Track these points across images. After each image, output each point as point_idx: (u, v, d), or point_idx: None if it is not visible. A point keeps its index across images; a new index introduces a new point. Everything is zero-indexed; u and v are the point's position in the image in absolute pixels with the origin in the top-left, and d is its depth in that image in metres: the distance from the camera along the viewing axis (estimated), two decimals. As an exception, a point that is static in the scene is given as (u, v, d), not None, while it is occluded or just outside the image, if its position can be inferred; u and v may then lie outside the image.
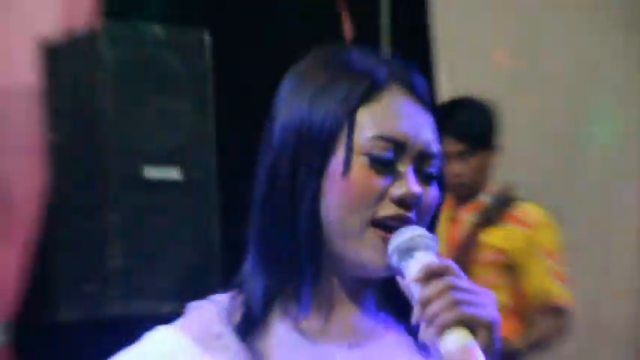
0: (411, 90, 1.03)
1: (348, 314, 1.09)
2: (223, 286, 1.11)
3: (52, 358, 3.23)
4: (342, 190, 1.01)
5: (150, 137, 2.78)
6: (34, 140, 3.00)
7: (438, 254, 0.98)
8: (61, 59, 2.90)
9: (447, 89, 3.55)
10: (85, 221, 2.80)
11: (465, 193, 2.95)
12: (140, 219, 2.72)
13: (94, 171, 2.81)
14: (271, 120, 1.05)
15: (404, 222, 1.00)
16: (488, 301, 0.96)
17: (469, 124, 2.98)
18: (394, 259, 1.00)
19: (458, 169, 2.89)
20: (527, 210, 3.00)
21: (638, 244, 4.10)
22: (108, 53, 2.74)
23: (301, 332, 1.06)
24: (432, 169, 1.02)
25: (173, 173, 2.80)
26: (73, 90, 2.88)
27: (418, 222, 1.01)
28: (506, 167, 3.09)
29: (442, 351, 0.97)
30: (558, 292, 2.98)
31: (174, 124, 2.79)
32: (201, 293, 1.12)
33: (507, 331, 2.88)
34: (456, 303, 0.94)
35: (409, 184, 0.99)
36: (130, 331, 1.17)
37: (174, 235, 2.76)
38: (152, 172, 2.75)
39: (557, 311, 2.98)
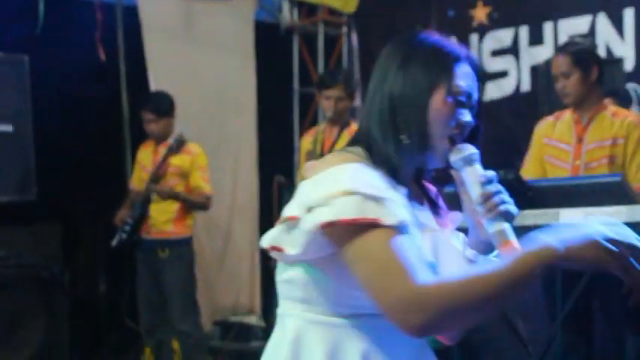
0: (473, 65, 1.60)
1: (415, 185, 1.65)
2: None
3: None
4: (442, 109, 1.54)
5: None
6: None
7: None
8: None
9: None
10: None
11: (159, 139, 5.09)
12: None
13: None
14: (391, 66, 1.57)
15: (462, 140, 1.56)
16: (510, 199, 1.51)
17: (158, 104, 5.08)
18: (459, 163, 1.56)
19: (154, 127, 5.07)
20: (193, 147, 5.13)
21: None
22: None
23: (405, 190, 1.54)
24: (474, 112, 1.57)
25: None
26: None
27: (468, 139, 1.57)
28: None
29: (491, 229, 1.50)
30: (206, 186, 5.11)
31: None
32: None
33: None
34: (503, 202, 1.52)
35: (468, 117, 1.56)
36: None
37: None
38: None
39: (205, 196, 5.10)
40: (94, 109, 5.83)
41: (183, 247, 5.12)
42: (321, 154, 4.81)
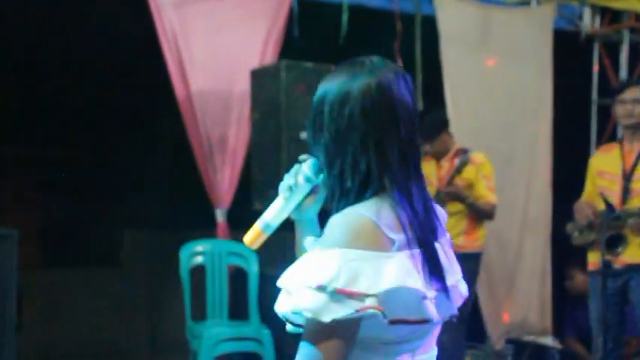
0: None
1: None
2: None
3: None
4: None
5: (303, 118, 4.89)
6: (244, 116, 5.39)
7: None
8: (259, 78, 5.10)
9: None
10: (270, 156, 4.98)
11: (437, 156, 5.01)
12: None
13: (276, 133, 4.96)
14: None
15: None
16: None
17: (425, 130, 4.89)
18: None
19: (428, 149, 4.99)
20: (477, 156, 4.92)
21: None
22: (284, 76, 4.87)
23: None
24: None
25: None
26: (265, 95, 5.03)
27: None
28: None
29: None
30: (491, 195, 4.92)
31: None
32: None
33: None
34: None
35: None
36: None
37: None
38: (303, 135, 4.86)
39: (491, 205, 4.89)
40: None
41: (469, 262, 4.96)
42: (626, 176, 4.39)
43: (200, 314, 4.98)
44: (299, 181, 1.72)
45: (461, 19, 5.94)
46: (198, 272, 5.03)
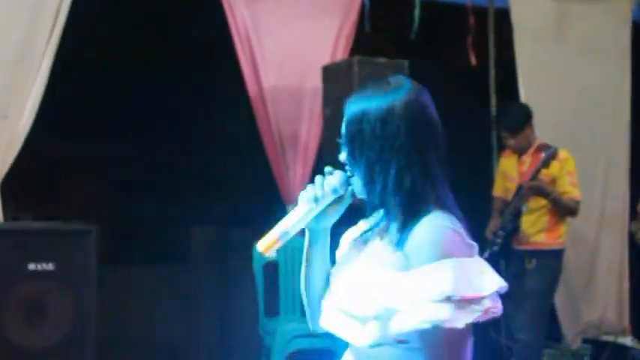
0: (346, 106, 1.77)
1: None
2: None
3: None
4: None
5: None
6: (316, 113, 5.29)
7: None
8: (331, 74, 5.00)
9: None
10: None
11: (520, 151, 4.94)
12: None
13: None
14: None
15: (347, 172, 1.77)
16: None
17: (511, 122, 4.91)
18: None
19: (512, 143, 4.93)
20: (560, 152, 4.79)
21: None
22: (356, 72, 4.75)
23: None
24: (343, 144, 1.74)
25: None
26: (338, 91, 4.84)
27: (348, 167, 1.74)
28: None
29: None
30: (574, 191, 4.83)
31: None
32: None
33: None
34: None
35: (341, 155, 1.76)
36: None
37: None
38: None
39: (575, 201, 4.83)
40: (463, 114, 5.75)
41: (551, 259, 4.89)
42: None
43: (272, 310, 4.98)
44: (326, 192, 1.75)
45: (536, 12, 5.83)
46: (269, 268, 5.02)
